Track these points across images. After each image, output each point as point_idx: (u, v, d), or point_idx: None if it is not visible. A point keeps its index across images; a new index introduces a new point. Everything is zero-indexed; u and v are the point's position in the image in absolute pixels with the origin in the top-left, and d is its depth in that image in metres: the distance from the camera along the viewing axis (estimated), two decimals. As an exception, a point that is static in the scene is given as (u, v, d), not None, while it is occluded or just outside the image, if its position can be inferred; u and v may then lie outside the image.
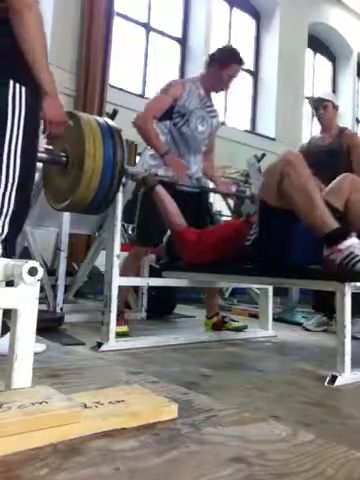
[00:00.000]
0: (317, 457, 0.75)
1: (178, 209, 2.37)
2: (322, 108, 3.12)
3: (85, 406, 0.80)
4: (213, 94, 2.75)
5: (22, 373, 0.90)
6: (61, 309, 3.06)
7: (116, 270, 2.19)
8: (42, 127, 1.53)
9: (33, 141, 1.50)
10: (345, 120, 7.74)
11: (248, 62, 7.68)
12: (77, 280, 3.49)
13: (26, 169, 1.46)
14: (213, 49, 2.74)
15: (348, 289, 1.73)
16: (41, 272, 0.90)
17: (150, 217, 2.54)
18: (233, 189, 3.23)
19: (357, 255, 1.65)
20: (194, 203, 2.63)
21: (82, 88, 5.30)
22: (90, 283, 3.90)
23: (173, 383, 1.20)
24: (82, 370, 1.32)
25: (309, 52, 8.38)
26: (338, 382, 1.68)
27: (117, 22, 5.82)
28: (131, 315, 3.12)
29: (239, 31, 7.56)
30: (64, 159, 2.13)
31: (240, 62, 2.65)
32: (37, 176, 1.97)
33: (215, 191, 3.01)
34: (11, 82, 1.41)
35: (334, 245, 1.71)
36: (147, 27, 6.51)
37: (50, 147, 2.07)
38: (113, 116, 3.05)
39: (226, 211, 4.79)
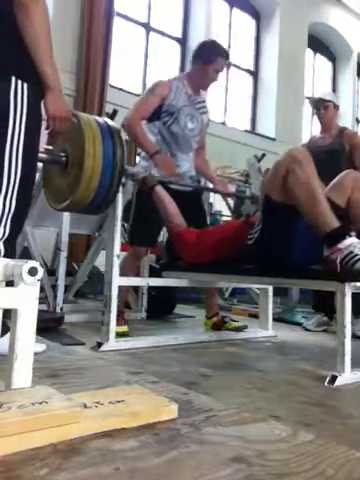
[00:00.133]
0: (317, 457, 0.75)
1: (178, 209, 2.37)
2: (323, 108, 3.12)
3: (85, 406, 0.80)
4: (203, 91, 2.72)
5: (22, 373, 0.90)
6: (61, 309, 3.06)
7: (116, 270, 2.19)
8: (45, 123, 1.52)
9: (35, 138, 1.48)
10: (345, 120, 7.74)
11: (248, 62, 7.71)
12: (77, 280, 3.49)
13: (28, 166, 1.45)
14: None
15: (348, 289, 1.73)
16: (41, 272, 0.90)
17: (143, 217, 2.53)
18: (231, 188, 3.23)
19: (357, 254, 1.65)
20: (191, 202, 2.62)
21: (82, 88, 5.31)
22: (90, 283, 3.90)
23: (173, 383, 1.20)
24: (82, 370, 1.32)
25: (309, 52, 8.38)
26: (338, 382, 1.68)
27: (117, 22, 5.82)
28: (131, 315, 3.12)
29: (239, 31, 7.56)
30: (64, 159, 2.12)
31: (225, 55, 2.63)
32: (37, 176, 1.96)
33: (214, 191, 3.01)
34: (13, 78, 1.40)
35: (334, 244, 1.71)
36: (147, 27, 6.51)
37: (50, 147, 2.07)
38: (113, 116, 3.06)
39: (226, 211, 4.79)
